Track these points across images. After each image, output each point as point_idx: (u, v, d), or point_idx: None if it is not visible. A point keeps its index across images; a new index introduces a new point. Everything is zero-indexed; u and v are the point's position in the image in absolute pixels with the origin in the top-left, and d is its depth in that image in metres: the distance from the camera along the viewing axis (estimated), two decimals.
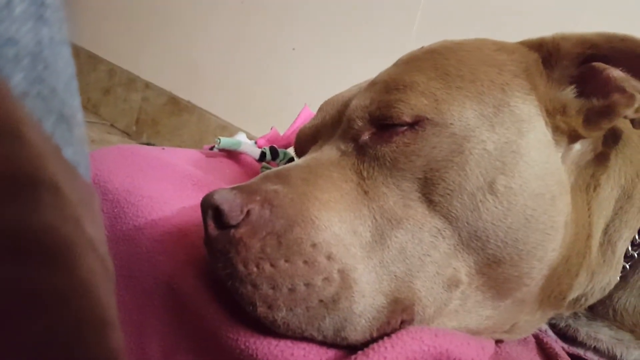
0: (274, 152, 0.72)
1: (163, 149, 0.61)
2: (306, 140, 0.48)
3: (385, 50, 1.26)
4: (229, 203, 0.35)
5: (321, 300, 0.34)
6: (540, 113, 0.41)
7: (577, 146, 0.43)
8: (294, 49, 1.41)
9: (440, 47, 0.44)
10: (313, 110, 0.83)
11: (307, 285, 0.34)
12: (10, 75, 0.16)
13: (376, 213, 0.37)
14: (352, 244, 0.36)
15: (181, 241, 0.41)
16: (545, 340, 0.46)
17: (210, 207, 0.36)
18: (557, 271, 0.42)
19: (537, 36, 0.45)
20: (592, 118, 0.42)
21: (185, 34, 1.65)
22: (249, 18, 1.50)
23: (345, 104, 0.46)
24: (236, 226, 0.35)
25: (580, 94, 0.43)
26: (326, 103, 0.50)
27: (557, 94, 0.42)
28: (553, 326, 0.49)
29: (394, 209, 0.37)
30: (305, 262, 0.34)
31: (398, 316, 0.36)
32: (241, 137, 0.72)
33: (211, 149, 0.71)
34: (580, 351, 0.47)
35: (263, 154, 0.70)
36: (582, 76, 0.43)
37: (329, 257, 0.35)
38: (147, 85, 1.73)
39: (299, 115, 0.79)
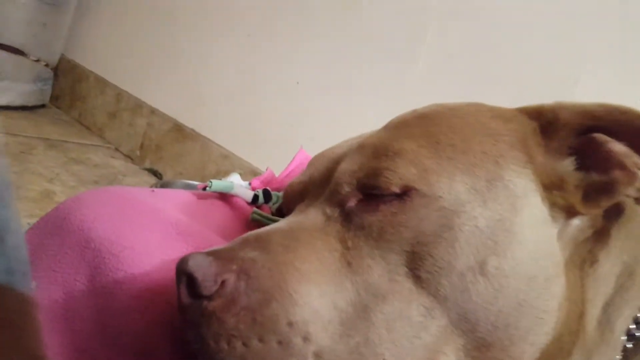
0: (267, 195, 0.71)
1: (153, 190, 0.60)
2: (293, 197, 0.47)
3: (389, 87, 1.27)
4: (203, 271, 0.34)
5: None
6: (536, 188, 0.39)
7: (575, 222, 0.41)
8: (298, 82, 1.42)
9: (432, 112, 0.43)
10: (310, 146, 0.83)
11: None
12: None
13: (360, 287, 0.35)
14: (331, 321, 0.34)
15: (158, 300, 0.40)
16: None
17: (184, 274, 0.35)
18: (549, 351, 0.39)
19: (536, 104, 0.44)
20: (591, 194, 0.40)
21: (192, 63, 1.67)
22: (255, 51, 1.51)
23: (335, 162, 0.45)
24: (210, 297, 0.34)
25: (580, 166, 0.41)
26: (316, 158, 0.49)
27: (555, 165, 0.41)
28: None
29: (379, 283, 0.35)
30: (279, 342, 0.33)
31: None
32: (234, 179, 0.72)
33: (204, 189, 0.71)
34: None
35: (256, 197, 0.70)
36: (582, 147, 0.41)
37: (305, 338, 0.33)
38: (153, 111, 1.75)
39: (294, 158, 0.78)
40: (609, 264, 0.42)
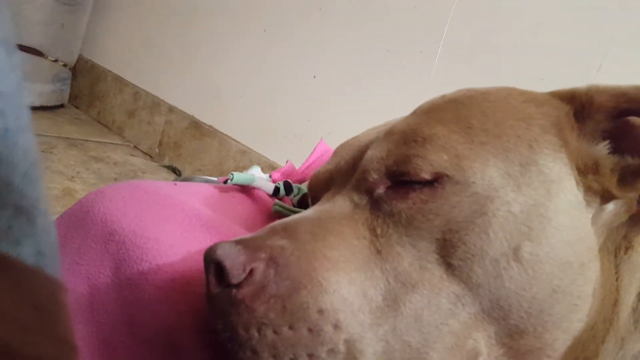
0: (288, 187, 0.70)
1: (175, 184, 0.60)
2: (320, 186, 0.47)
3: (405, 80, 1.25)
4: (232, 260, 0.33)
5: None
6: (571, 172, 0.38)
7: (610, 206, 0.39)
8: (314, 77, 1.41)
9: (463, 96, 0.41)
10: (328, 140, 0.82)
11: (310, 356, 0.32)
12: None
13: (389, 275, 0.35)
14: (361, 309, 0.33)
15: (184, 290, 0.40)
16: None
17: (212, 263, 0.34)
18: (582, 338, 0.38)
19: (569, 87, 0.43)
20: (627, 178, 0.39)
21: (209, 60, 1.67)
22: (271, 46, 1.51)
23: (361, 151, 0.44)
24: (238, 285, 0.33)
25: (615, 150, 0.40)
26: (341, 147, 0.48)
27: (590, 149, 0.39)
28: None
29: (408, 271, 0.35)
30: (310, 330, 0.32)
31: None
32: (255, 171, 0.71)
33: (225, 182, 0.70)
34: None
35: (277, 189, 0.69)
36: (617, 131, 0.40)
37: (335, 326, 0.32)
38: (171, 109, 1.75)
39: (314, 149, 0.77)
40: None
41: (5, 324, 0.15)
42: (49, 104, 1.87)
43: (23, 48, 1.70)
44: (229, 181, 0.66)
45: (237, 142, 1.57)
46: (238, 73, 1.59)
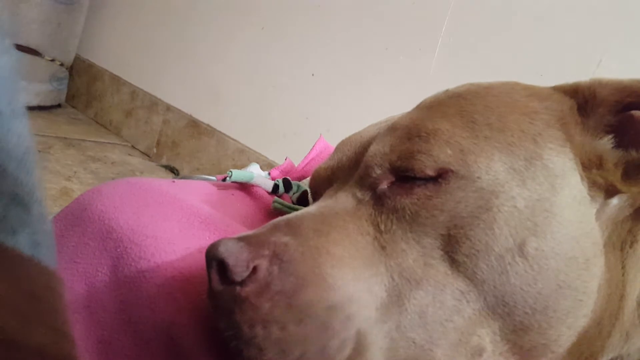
0: (287, 185, 0.69)
1: (173, 181, 0.59)
2: (321, 182, 0.46)
3: (405, 77, 1.25)
4: (235, 257, 0.33)
5: None
6: (575, 167, 0.37)
7: (614, 201, 0.39)
8: (313, 74, 1.41)
9: (466, 91, 0.41)
10: (327, 138, 0.81)
11: (321, 350, 0.31)
12: None
13: (394, 271, 0.34)
14: (367, 305, 0.33)
15: (184, 287, 0.39)
16: None
17: (214, 260, 0.33)
18: (588, 334, 0.38)
19: (572, 82, 0.43)
20: (631, 172, 0.38)
21: (207, 58, 1.66)
22: (269, 44, 1.50)
23: (363, 146, 0.43)
24: (242, 283, 0.32)
25: (619, 144, 0.39)
26: (343, 143, 0.47)
27: (594, 144, 0.39)
28: None
29: (413, 268, 0.34)
30: (319, 325, 0.32)
31: None
32: (254, 169, 0.70)
33: (224, 179, 0.70)
34: None
35: (276, 187, 0.68)
36: (621, 125, 0.39)
37: (347, 319, 0.32)
38: (169, 108, 1.75)
39: (313, 146, 0.77)
40: None
41: (0, 310, 0.15)
42: (46, 104, 1.86)
43: (20, 47, 1.69)
44: (227, 179, 0.66)
45: (236, 141, 1.56)
46: (236, 71, 1.59)
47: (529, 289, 0.34)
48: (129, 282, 0.41)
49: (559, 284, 0.34)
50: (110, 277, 0.43)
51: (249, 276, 0.33)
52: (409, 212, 0.35)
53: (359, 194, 0.39)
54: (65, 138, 1.65)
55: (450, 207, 0.35)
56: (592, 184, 0.38)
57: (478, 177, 0.35)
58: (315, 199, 0.46)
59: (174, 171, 1.68)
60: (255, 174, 0.68)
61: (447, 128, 0.37)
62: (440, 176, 0.35)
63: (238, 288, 0.32)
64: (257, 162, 1.43)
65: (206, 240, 0.45)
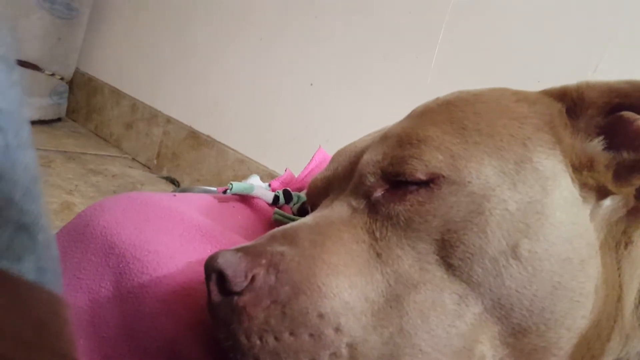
0: (288, 196, 0.70)
1: (174, 195, 0.60)
2: (318, 192, 0.47)
3: (402, 86, 1.25)
4: (233, 268, 0.33)
5: None
6: (565, 169, 0.38)
7: (607, 202, 0.40)
8: (312, 84, 1.41)
9: (456, 98, 0.42)
10: (326, 147, 0.82)
11: None
12: None
13: (390, 278, 0.35)
14: (363, 312, 0.33)
15: (185, 301, 0.40)
16: None
17: (213, 271, 0.34)
18: (587, 337, 0.38)
19: (560, 85, 0.43)
20: (622, 173, 0.39)
21: (206, 70, 1.67)
22: (268, 54, 1.51)
23: (358, 156, 0.44)
24: (240, 293, 0.33)
25: (609, 146, 0.40)
26: (338, 153, 0.48)
27: (584, 146, 0.39)
28: None
29: (409, 273, 0.35)
30: (311, 335, 0.32)
31: None
32: (254, 181, 0.71)
33: (224, 192, 0.70)
34: None
35: (276, 198, 0.69)
36: (611, 127, 0.40)
37: (337, 330, 0.32)
38: (168, 120, 1.76)
39: (313, 157, 0.77)
40: None
41: (6, 339, 0.15)
42: (47, 118, 1.87)
43: (20, 62, 1.69)
44: (228, 191, 0.66)
45: (236, 151, 1.57)
46: (235, 82, 1.60)
47: (524, 291, 0.34)
48: (132, 297, 0.42)
49: (554, 286, 0.35)
50: (113, 293, 0.43)
51: (247, 286, 0.33)
52: (402, 218, 0.36)
53: (353, 203, 0.39)
54: (65, 152, 1.66)
55: (443, 212, 0.35)
56: (584, 186, 0.38)
57: (469, 182, 0.36)
58: (312, 209, 0.47)
59: (174, 182, 1.69)
60: (255, 185, 0.68)
61: (438, 135, 0.37)
62: (432, 181, 0.36)
63: (236, 298, 0.33)
64: (258, 172, 1.44)
65: (207, 254, 0.45)
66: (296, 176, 0.77)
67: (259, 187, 0.69)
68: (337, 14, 1.37)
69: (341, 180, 0.44)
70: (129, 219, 0.49)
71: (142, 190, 1.56)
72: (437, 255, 0.35)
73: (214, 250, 0.48)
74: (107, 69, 2.00)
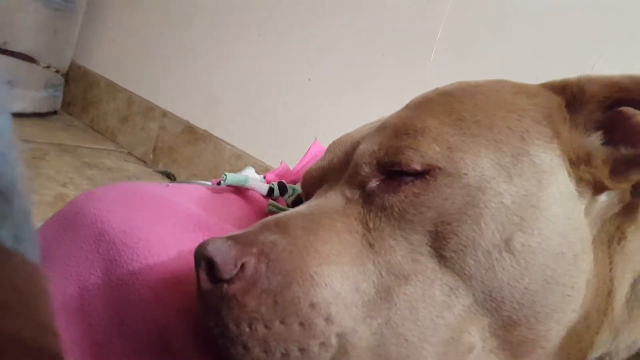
0: (283, 188, 0.70)
1: (167, 185, 0.59)
2: (313, 182, 0.46)
3: (401, 82, 1.25)
4: (223, 255, 0.33)
5: None
6: (562, 163, 0.38)
7: (603, 197, 0.39)
8: (309, 79, 1.41)
9: (455, 89, 0.41)
10: (323, 143, 0.82)
11: (302, 350, 0.31)
12: None
13: (382, 268, 0.34)
14: (354, 302, 0.33)
15: (176, 289, 0.39)
16: None
17: (203, 259, 0.33)
18: (576, 329, 0.38)
19: (561, 78, 0.43)
20: (619, 169, 0.38)
21: (203, 64, 1.67)
22: (266, 49, 1.50)
23: (354, 146, 0.43)
24: (229, 281, 0.33)
25: (608, 141, 0.40)
26: (334, 144, 0.48)
27: (582, 141, 0.39)
28: None
29: (401, 264, 0.34)
30: (301, 324, 0.32)
31: None
32: (249, 172, 0.71)
33: (218, 183, 0.70)
34: None
35: (271, 190, 0.69)
36: (610, 122, 0.40)
37: (327, 319, 0.32)
38: (165, 114, 1.75)
39: (308, 150, 0.77)
40: (638, 241, 0.41)
41: None
42: (42, 111, 1.86)
43: (15, 54, 1.69)
44: (222, 182, 0.66)
45: (232, 146, 1.56)
46: (232, 77, 1.59)
47: (516, 284, 0.34)
48: (121, 284, 0.41)
49: (546, 279, 0.35)
50: (102, 280, 0.43)
51: (237, 274, 0.33)
52: (397, 209, 0.36)
53: (348, 193, 0.39)
54: (60, 145, 1.65)
55: (437, 204, 0.35)
56: (580, 180, 0.38)
57: (465, 174, 0.35)
58: (307, 199, 0.46)
59: (170, 177, 1.68)
60: (250, 177, 0.68)
61: (435, 125, 0.37)
62: (428, 173, 0.36)
63: (225, 286, 0.33)
64: (254, 167, 1.43)
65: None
66: (291, 169, 0.77)
67: (254, 179, 0.68)
68: (335, 10, 1.37)
69: (336, 171, 0.44)
70: (121, 207, 0.48)
71: None
72: (430, 247, 0.35)
73: None
74: (104, 62, 1.99)
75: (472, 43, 1.13)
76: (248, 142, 1.53)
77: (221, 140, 1.59)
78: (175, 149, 1.71)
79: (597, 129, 0.40)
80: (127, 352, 0.39)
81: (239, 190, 0.68)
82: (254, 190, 0.68)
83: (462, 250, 0.34)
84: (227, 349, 0.32)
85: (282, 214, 0.39)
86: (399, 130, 0.38)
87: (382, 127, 0.40)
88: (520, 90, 0.41)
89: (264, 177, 0.73)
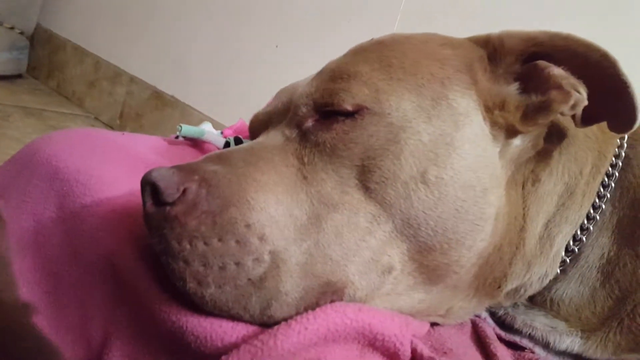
0: (239, 142, 0.72)
1: (123, 134, 0.61)
2: (258, 126, 0.49)
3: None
4: (166, 181, 0.36)
5: (249, 279, 0.35)
6: (478, 107, 0.42)
7: (517, 142, 0.44)
8: (277, 46, 1.42)
9: (388, 39, 0.45)
10: None
11: (237, 264, 0.35)
12: None
13: (313, 197, 0.38)
14: (286, 226, 0.37)
15: (124, 219, 0.42)
16: (480, 325, 0.47)
17: (148, 184, 0.36)
18: (489, 260, 0.43)
19: (485, 33, 0.46)
20: (529, 114, 0.42)
21: (171, 30, 1.66)
22: (233, 16, 1.51)
23: (297, 92, 0.46)
24: (172, 204, 0.36)
25: (523, 91, 0.43)
26: (281, 91, 0.51)
27: (500, 89, 0.43)
28: (493, 314, 0.50)
29: (331, 194, 0.38)
30: (237, 242, 0.35)
31: (328, 297, 0.37)
32: (206, 127, 0.73)
33: (176, 137, 0.72)
34: (516, 338, 0.48)
35: (227, 144, 0.71)
36: (527, 74, 0.43)
37: (261, 238, 0.36)
38: (132, 79, 1.74)
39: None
40: (551, 184, 0.45)
41: None
42: (6, 73, 1.83)
43: None
44: (177, 133, 0.68)
45: (200, 112, 1.57)
46: (200, 42, 1.59)
47: (430, 213, 0.38)
48: (74, 216, 0.44)
49: (457, 209, 0.39)
50: (56, 214, 0.45)
51: (179, 198, 0.36)
52: (329, 145, 0.39)
53: (287, 132, 0.42)
54: (25, 107, 1.63)
55: (364, 140, 0.39)
56: (494, 124, 0.42)
57: (389, 114, 0.39)
58: None
59: None
60: (206, 130, 0.70)
61: (366, 71, 0.41)
62: (357, 112, 0.39)
63: (168, 208, 0.36)
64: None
65: None
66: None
67: (210, 133, 0.71)
68: None
69: (280, 115, 0.47)
70: (76, 148, 0.50)
71: None
72: (357, 179, 0.39)
73: None
74: (70, 26, 1.96)
75: (435, 9, 1.16)
76: (215, 108, 1.54)
77: (188, 106, 1.59)
78: (143, 115, 1.70)
79: (515, 79, 0.44)
80: (79, 279, 0.42)
81: (196, 144, 0.71)
82: (210, 143, 0.70)
83: (383, 182, 0.38)
84: (170, 264, 0.35)
85: (225, 149, 0.42)
86: (334, 75, 0.42)
87: (320, 72, 0.44)
88: (447, 42, 0.45)
89: (222, 132, 0.75)
